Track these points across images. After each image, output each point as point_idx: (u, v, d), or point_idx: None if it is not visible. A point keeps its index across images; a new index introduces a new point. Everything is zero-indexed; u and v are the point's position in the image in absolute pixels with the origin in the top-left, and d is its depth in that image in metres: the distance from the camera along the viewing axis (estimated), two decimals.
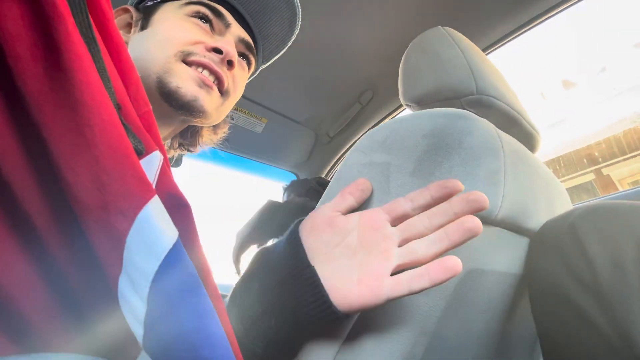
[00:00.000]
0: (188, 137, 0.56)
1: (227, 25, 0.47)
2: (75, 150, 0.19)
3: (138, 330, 0.20)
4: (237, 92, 0.50)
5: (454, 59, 0.49)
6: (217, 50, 0.43)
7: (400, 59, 0.57)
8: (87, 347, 0.21)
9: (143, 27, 0.45)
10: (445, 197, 0.29)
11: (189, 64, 0.42)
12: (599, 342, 0.33)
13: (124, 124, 0.22)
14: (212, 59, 0.43)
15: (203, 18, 0.45)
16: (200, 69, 0.43)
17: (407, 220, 0.30)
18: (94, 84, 0.20)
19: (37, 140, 0.19)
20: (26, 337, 0.20)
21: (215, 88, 0.44)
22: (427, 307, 0.33)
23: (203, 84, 0.42)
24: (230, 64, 0.45)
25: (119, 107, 0.23)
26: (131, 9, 0.48)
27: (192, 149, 0.57)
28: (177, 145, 0.56)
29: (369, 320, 0.33)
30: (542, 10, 0.83)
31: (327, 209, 0.33)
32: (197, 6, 0.45)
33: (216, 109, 0.45)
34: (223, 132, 0.60)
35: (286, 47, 0.58)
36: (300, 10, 0.53)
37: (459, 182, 0.29)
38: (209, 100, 0.43)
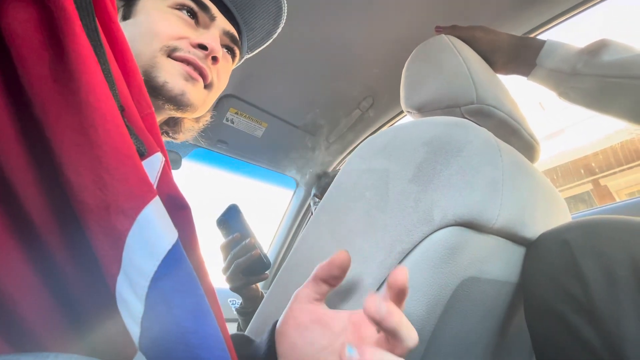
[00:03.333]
0: (171, 125, 0.56)
1: (212, 18, 0.47)
2: (79, 150, 0.19)
3: (134, 331, 0.20)
4: (220, 84, 0.50)
5: (456, 67, 0.49)
6: (202, 47, 0.43)
7: (401, 66, 0.58)
8: (84, 348, 0.21)
9: (125, 17, 0.44)
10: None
11: (174, 59, 0.42)
12: (591, 359, 0.33)
13: (127, 126, 0.22)
14: (196, 55, 0.43)
15: (188, 11, 0.45)
16: (185, 64, 0.43)
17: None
18: (99, 85, 0.20)
19: (40, 140, 0.20)
20: (22, 337, 0.20)
21: (200, 81, 0.44)
22: (423, 315, 0.33)
23: (189, 77, 0.43)
24: (214, 59, 0.45)
25: (122, 109, 0.23)
26: None
27: (175, 136, 0.57)
28: (160, 133, 0.56)
29: None
30: (542, 21, 0.84)
31: (306, 300, 0.32)
32: None
33: (202, 101, 0.46)
34: (205, 120, 0.60)
35: (271, 40, 0.58)
36: (285, 3, 0.53)
37: None
38: (195, 93, 0.43)
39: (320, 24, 0.81)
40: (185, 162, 1.08)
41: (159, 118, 0.48)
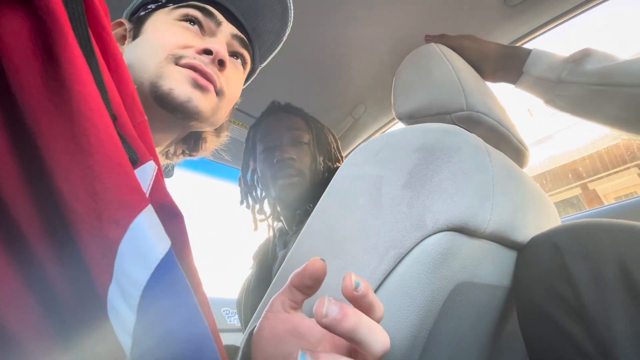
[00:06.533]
0: (191, 143, 0.55)
1: (218, 24, 0.46)
2: (71, 159, 0.19)
3: (126, 342, 0.19)
4: (232, 92, 0.48)
5: (445, 75, 0.50)
6: (207, 51, 0.42)
7: (392, 74, 0.58)
8: None
9: (135, 37, 0.45)
10: None
11: (181, 66, 0.41)
12: None
13: (119, 134, 0.22)
14: (202, 61, 0.42)
15: (192, 21, 0.45)
16: (191, 70, 0.42)
17: None
18: (91, 95, 0.20)
19: (31, 149, 0.20)
20: (9, 349, 0.19)
21: (210, 88, 0.43)
22: (418, 321, 0.33)
23: (197, 84, 0.41)
24: (221, 63, 0.44)
25: (115, 118, 0.23)
26: (125, 21, 0.48)
27: (193, 154, 0.56)
28: (179, 152, 0.55)
29: None
30: (528, 30, 0.86)
31: (281, 308, 0.30)
32: (186, 9, 0.45)
33: (212, 109, 0.44)
34: (226, 135, 0.59)
35: (281, 43, 0.57)
36: (291, 2, 0.52)
37: None
38: (203, 101, 0.42)
39: (312, 33, 0.82)
40: (178, 171, 1.07)
41: (174, 136, 0.48)
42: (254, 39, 0.53)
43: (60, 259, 0.21)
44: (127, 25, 0.47)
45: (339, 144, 0.93)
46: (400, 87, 0.56)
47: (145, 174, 0.24)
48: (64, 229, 0.20)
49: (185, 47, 0.42)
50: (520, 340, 0.43)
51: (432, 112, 0.50)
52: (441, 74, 0.51)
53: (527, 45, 0.85)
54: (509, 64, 0.61)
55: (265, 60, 0.59)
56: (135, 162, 0.23)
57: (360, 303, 0.22)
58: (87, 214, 0.19)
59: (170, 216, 0.25)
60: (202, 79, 0.41)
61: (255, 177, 0.87)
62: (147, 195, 0.24)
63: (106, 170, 0.19)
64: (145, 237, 0.20)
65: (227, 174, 1.23)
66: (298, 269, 0.29)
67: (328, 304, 0.20)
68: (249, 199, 0.86)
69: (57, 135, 0.19)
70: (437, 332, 0.36)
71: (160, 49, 0.41)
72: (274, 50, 0.58)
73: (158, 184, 0.25)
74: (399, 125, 0.60)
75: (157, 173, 0.26)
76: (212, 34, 0.46)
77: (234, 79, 0.48)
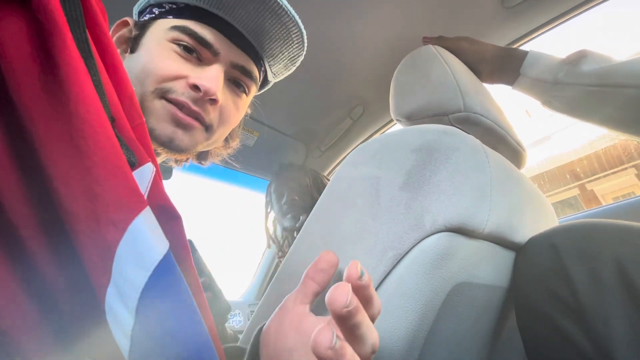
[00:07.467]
0: (199, 153, 0.54)
1: (215, 54, 0.42)
2: (68, 162, 0.19)
3: (124, 344, 0.19)
4: (227, 122, 0.45)
5: (443, 77, 0.50)
6: (197, 88, 0.39)
7: (390, 76, 0.59)
8: None
9: (131, 51, 0.42)
10: None
11: (168, 101, 0.39)
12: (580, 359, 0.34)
13: (117, 136, 0.22)
14: (190, 97, 0.39)
15: (186, 48, 0.41)
16: (177, 107, 0.40)
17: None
18: (89, 96, 0.20)
19: (29, 151, 0.20)
20: (7, 352, 0.19)
21: (196, 125, 0.41)
22: (416, 321, 0.33)
23: (180, 123, 0.39)
24: (212, 101, 0.41)
25: (113, 120, 0.23)
26: (130, 21, 0.44)
27: (202, 162, 0.56)
28: (187, 158, 0.54)
29: None
30: (524, 32, 0.87)
31: (292, 303, 0.31)
32: (182, 34, 0.40)
33: (200, 143, 0.43)
34: (235, 143, 0.58)
35: (295, 67, 0.52)
36: (304, 34, 0.47)
37: None
38: (187, 139, 0.40)
39: (311, 35, 0.82)
40: (176, 172, 1.07)
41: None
42: (264, 58, 0.48)
43: (58, 262, 0.21)
44: (133, 30, 0.43)
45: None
46: (398, 89, 0.56)
47: (143, 176, 0.24)
48: (62, 231, 0.20)
49: (177, 77, 0.40)
50: (518, 340, 0.44)
51: (430, 114, 0.50)
52: (439, 75, 0.51)
53: (525, 47, 0.85)
54: (506, 66, 0.61)
55: (278, 77, 0.54)
56: (134, 164, 0.23)
57: (362, 293, 0.23)
58: (85, 216, 0.19)
59: (169, 218, 0.25)
60: (185, 118, 0.39)
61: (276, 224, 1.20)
62: (146, 197, 0.24)
63: (104, 172, 0.19)
64: (143, 238, 0.20)
65: (227, 175, 1.23)
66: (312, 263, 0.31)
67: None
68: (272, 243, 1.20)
69: (55, 137, 0.19)
70: (435, 332, 0.36)
71: (149, 79, 0.39)
72: (287, 71, 0.53)
73: (156, 185, 0.25)
74: (398, 127, 0.60)
75: (155, 175, 0.26)
76: (209, 62, 0.42)
77: (231, 107, 0.45)
